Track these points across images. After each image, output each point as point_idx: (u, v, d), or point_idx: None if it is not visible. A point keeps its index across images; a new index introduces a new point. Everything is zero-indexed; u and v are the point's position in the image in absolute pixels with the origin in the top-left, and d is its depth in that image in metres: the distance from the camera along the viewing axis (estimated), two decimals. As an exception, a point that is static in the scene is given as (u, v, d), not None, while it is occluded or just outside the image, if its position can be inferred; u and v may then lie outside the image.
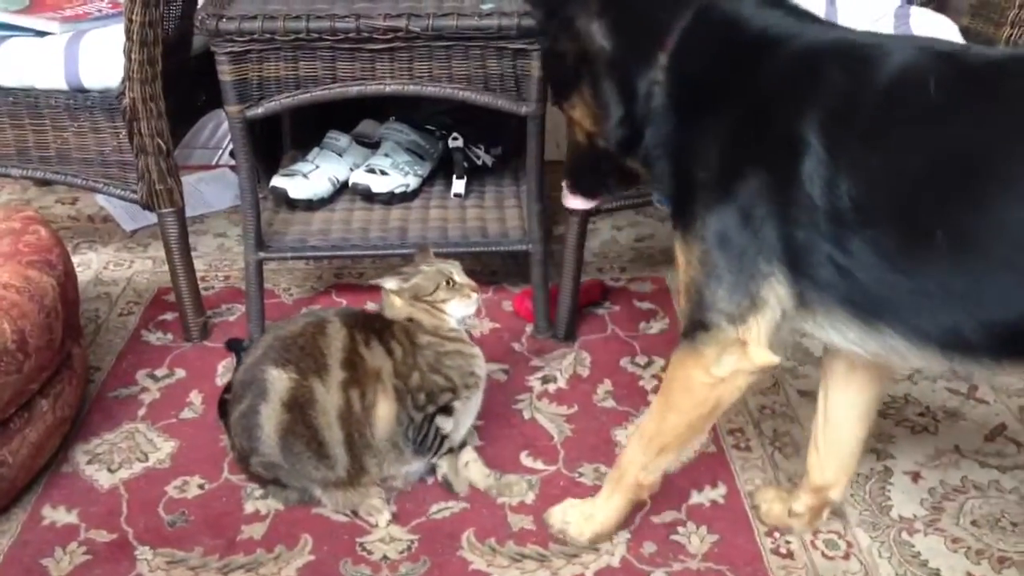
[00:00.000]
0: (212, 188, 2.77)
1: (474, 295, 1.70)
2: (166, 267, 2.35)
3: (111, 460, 1.76)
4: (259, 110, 1.90)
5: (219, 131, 2.94)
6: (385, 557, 1.56)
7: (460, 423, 1.71)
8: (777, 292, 1.28)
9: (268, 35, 1.81)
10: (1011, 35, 1.79)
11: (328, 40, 1.83)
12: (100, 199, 2.71)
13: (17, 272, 1.65)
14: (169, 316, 2.19)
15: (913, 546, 1.58)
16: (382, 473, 1.67)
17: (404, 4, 1.90)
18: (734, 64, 1.31)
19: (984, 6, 1.96)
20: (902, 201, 1.17)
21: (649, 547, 1.58)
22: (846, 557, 1.56)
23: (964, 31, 1.98)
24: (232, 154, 2.78)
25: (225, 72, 1.86)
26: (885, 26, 2.05)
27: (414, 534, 1.61)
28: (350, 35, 1.82)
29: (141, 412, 1.89)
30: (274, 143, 2.51)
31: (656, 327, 2.17)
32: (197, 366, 2.03)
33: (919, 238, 1.16)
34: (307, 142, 2.40)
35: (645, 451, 1.48)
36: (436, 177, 2.38)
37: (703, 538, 1.60)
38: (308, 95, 1.90)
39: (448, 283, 1.68)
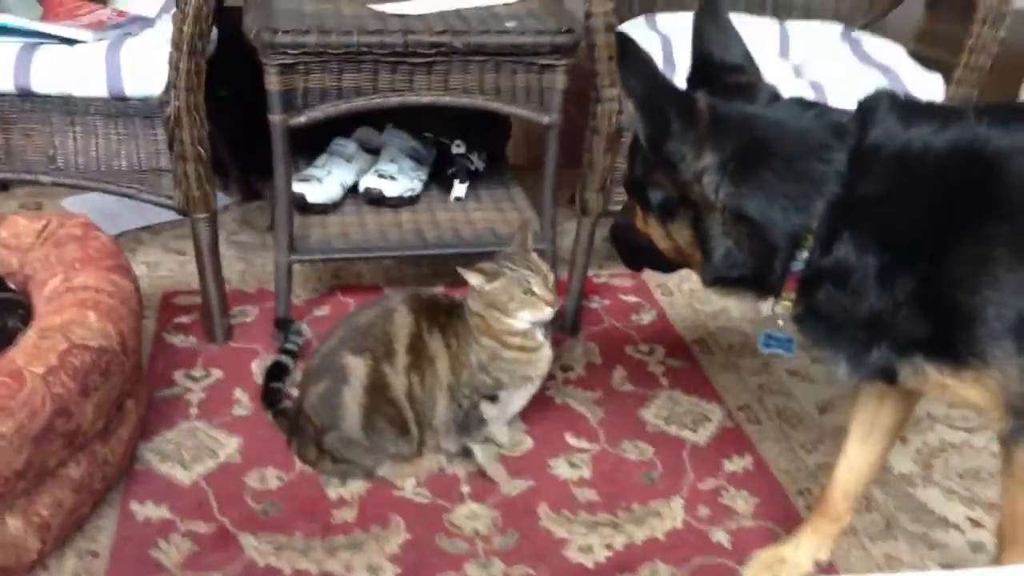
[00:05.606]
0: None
1: (548, 309, 1.75)
2: (163, 271, 2.40)
3: (182, 457, 1.82)
4: (302, 118, 1.99)
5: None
6: (476, 531, 1.70)
7: (506, 410, 1.86)
8: None
9: (320, 48, 1.92)
10: (967, 61, 2.08)
11: (375, 54, 1.95)
12: (70, 204, 2.69)
13: (103, 276, 1.69)
14: (184, 319, 2.24)
15: (918, 498, 1.85)
16: (439, 447, 1.83)
17: (432, 20, 2.03)
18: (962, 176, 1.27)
19: (929, 32, 2.26)
20: None
21: (704, 510, 1.79)
22: (868, 510, 1.81)
23: (913, 55, 2.27)
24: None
25: (273, 83, 1.94)
26: (842, 53, 2.33)
27: (495, 510, 1.76)
28: (396, 49, 1.95)
29: (193, 411, 1.95)
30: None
31: (646, 318, 2.38)
32: (232, 366, 2.09)
33: None
34: (306, 149, 2.47)
35: None
36: (430, 181, 2.51)
37: (747, 500, 1.82)
38: (349, 105, 2.01)
39: (526, 292, 1.74)
